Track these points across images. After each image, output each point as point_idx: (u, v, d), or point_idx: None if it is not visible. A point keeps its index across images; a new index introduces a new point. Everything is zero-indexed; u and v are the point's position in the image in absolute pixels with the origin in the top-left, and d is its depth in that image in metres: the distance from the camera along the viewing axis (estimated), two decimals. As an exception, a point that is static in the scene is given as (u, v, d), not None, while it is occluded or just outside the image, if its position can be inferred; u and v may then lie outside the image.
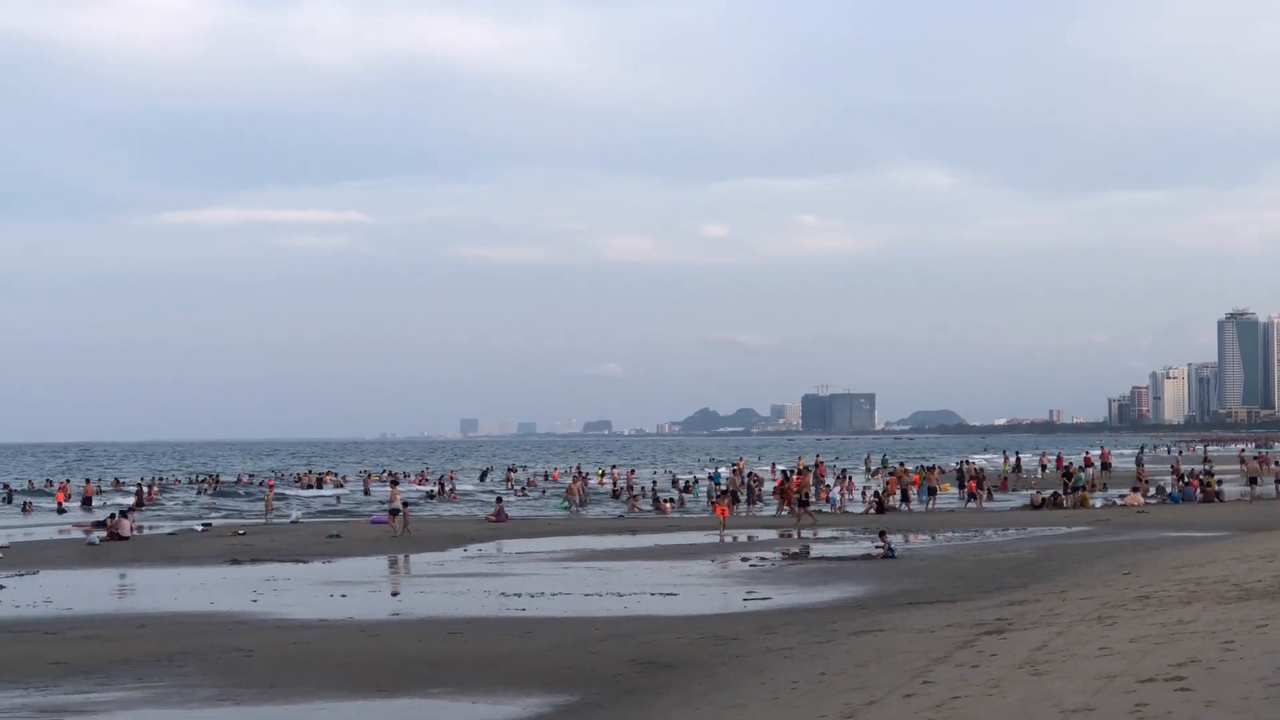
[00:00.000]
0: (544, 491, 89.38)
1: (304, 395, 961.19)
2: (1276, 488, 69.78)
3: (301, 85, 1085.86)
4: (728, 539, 46.40)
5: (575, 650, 22.18)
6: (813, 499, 65.43)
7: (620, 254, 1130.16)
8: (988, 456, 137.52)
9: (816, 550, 41.64)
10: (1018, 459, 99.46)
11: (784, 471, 73.91)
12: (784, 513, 58.33)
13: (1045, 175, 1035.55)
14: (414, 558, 42.23)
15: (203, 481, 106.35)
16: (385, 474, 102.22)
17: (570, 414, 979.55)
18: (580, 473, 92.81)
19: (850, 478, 78.03)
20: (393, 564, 41.34)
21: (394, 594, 33.50)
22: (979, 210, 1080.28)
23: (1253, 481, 65.15)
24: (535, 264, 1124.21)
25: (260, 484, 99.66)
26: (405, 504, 53.60)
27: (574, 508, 69.77)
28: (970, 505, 65.46)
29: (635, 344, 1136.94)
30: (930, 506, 63.84)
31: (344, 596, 31.81)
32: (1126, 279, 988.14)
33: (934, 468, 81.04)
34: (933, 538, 45.92)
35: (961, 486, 70.74)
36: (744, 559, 39.10)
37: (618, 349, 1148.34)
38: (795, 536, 48.25)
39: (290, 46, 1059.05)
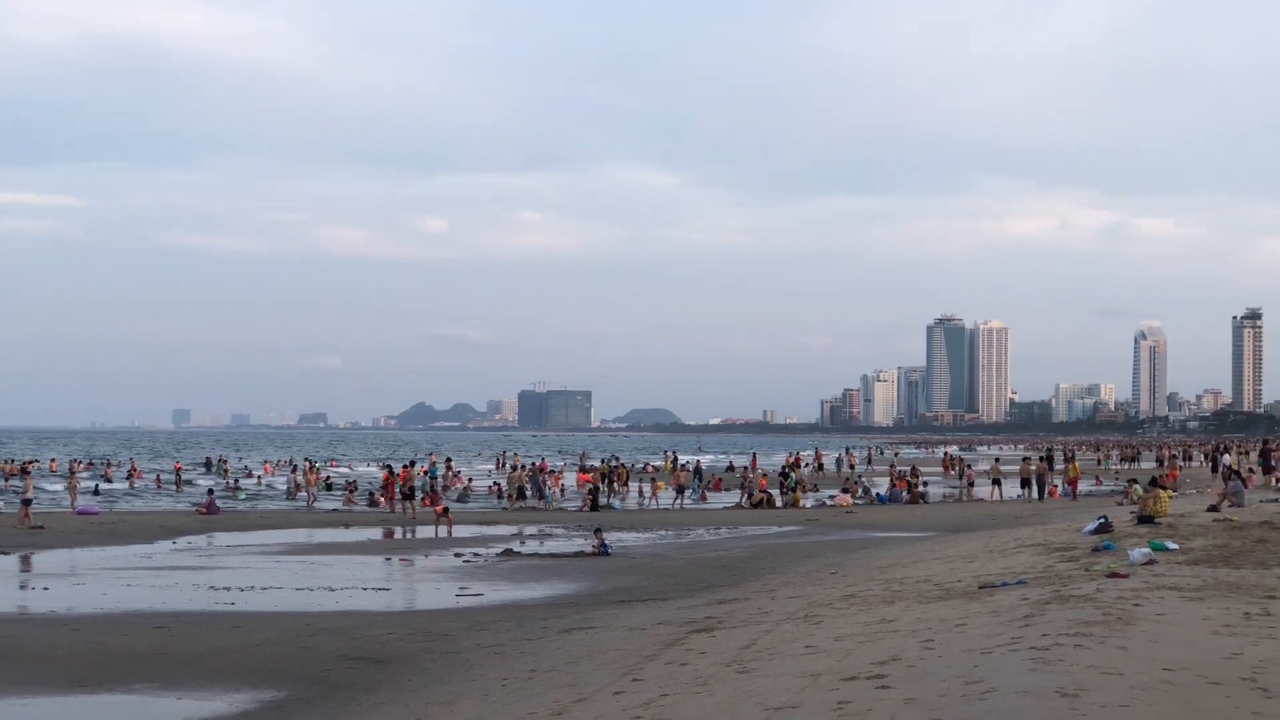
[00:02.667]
0: (260, 482, 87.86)
1: (8, 382, 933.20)
2: (967, 490, 71.89)
3: (14, 64, 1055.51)
4: (443, 534, 46.22)
5: (285, 645, 21.88)
6: (529, 494, 65.72)
7: (339, 246, 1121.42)
8: (699, 457, 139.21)
9: (530, 547, 41.65)
10: (675, 457, 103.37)
11: (388, 465, 73.44)
12: (399, 508, 58.03)
13: (763, 178, 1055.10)
14: (121, 550, 41.19)
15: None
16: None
17: (285, 406, 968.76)
18: (313, 466, 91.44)
19: (563, 474, 78.35)
20: (99, 557, 40.25)
21: (98, 588, 32.64)
22: (697, 211, 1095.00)
23: (1025, 485, 66.55)
24: (252, 254, 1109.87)
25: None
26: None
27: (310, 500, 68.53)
28: (687, 504, 66.09)
29: (353, 336, 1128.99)
30: (646, 504, 64.46)
31: (46, 589, 30.90)
32: (840, 282, 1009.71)
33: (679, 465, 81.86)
34: (647, 535, 46.28)
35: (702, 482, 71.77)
36: (458, 554, 38.98)
37: (335, 341, 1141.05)
38: (407, 535, 48.05)
39: (4, 24, 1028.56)
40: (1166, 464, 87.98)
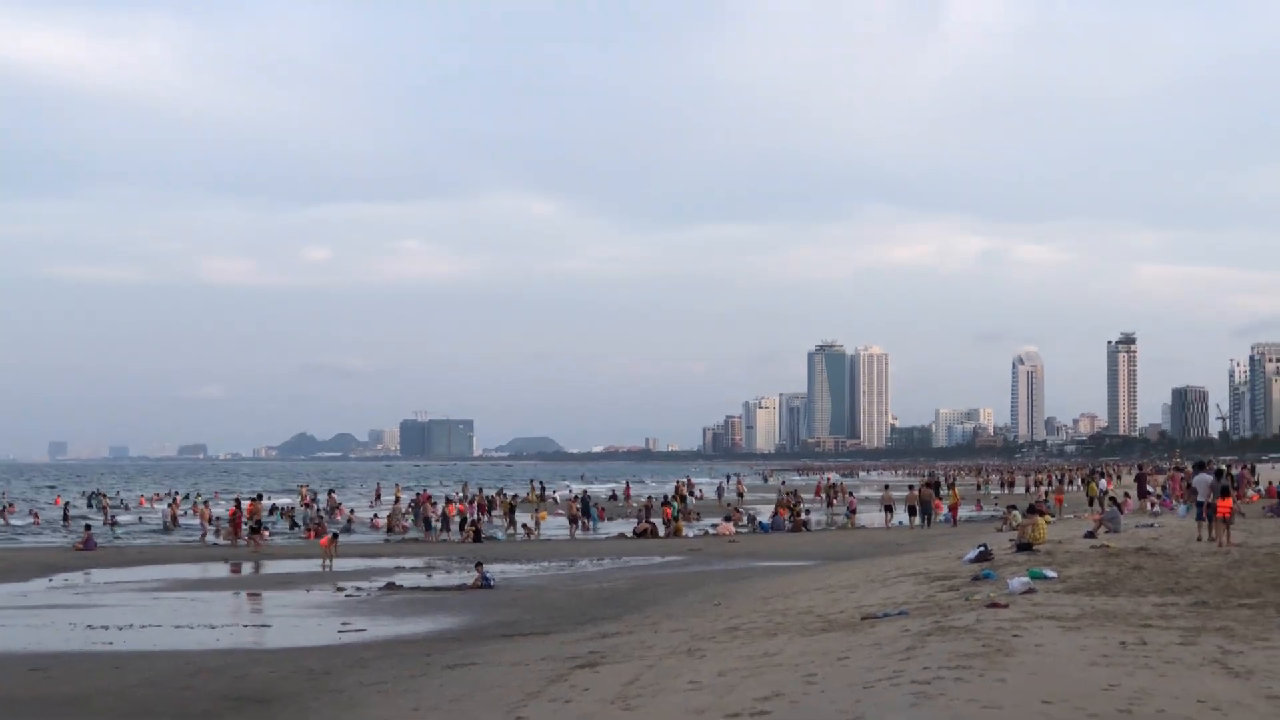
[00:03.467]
0: (140, 518, 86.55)
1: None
2: (850, 517, 72.33)
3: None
4: (327, 568, 45.87)
5: (165, 686, 21.57)
6: (415, 525, 65.39)
7: (220, 275, 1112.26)
8: (583, 485, 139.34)
9: (412, 580, 41.42)
10: (542, 487, 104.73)
11: (236, 499, 73.02)
12: (240, 543, 57.96)
13: (644, 205, 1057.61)
14: (-6, 588, 40.50)
15: None
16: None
17: (165, 437, 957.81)
18: (205, 502, 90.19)
19: (451, 505, 77.97)
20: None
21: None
22: (579, 240, 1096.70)
23: (912, 512, 66.79)
24: (131, 284, 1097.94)
25: None
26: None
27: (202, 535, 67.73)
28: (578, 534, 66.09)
29: (234, 366, 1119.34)
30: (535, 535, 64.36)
31: (-83, 631, 30.31)
32: (722, 310, 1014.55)
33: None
34: (529, 567, 46.19)
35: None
36: (340, 588, 38.70)
37: (216, 371, 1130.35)
38: (258, 569, 47.62)
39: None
40: (1040, 491, 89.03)
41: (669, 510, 66.72)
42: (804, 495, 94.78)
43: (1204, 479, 36.53)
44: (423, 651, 24.68)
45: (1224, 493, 34.88)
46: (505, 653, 23.51)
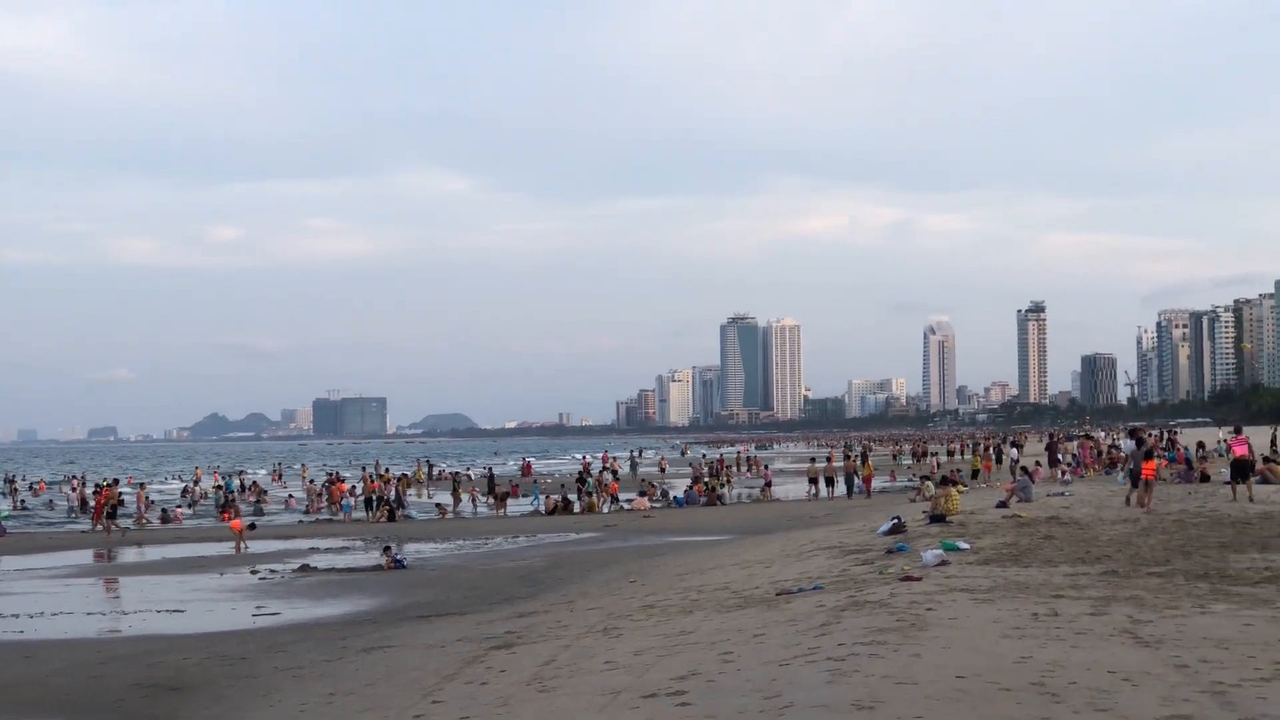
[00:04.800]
0: (50, 502, 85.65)
1: None
2: (764, 490, 72.64)
3: None
4: (241, 551, 45.57)
5: (77, 675, 21.37)
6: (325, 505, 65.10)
7: (127, 256, 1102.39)
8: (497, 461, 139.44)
9: (326, 561, 41.22)
10: (429, 465, 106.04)
11: (96, 484, 72.54)
12: (97, 528, 56.75)
13: (555, 180, 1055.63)
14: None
15: None
16: None
17: (74, 420, 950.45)
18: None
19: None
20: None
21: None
22: (490, 215, 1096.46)
23: (830, 483, 67.17)
24: (38, 266, 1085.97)
25: None
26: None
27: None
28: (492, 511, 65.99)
29: (143, 348, 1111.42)
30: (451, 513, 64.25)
31: None
32: (634, 284, 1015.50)
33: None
34: (444, 545, 46.09)
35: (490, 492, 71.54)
36: (253, 571, 38.42)
37: (125, 353, 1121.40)
38: (108, 557, 46.84)
39: None
40: (953, 461, 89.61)
41: (615, 485, 67.24)
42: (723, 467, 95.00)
43: (1130, 445, 37.76)
44: (338, 635, 24.56)
45: (1148, 456, 36.41)
46: (421, 635, 23.45)
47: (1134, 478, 37.13)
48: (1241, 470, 38.51)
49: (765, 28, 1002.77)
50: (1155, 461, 37.33)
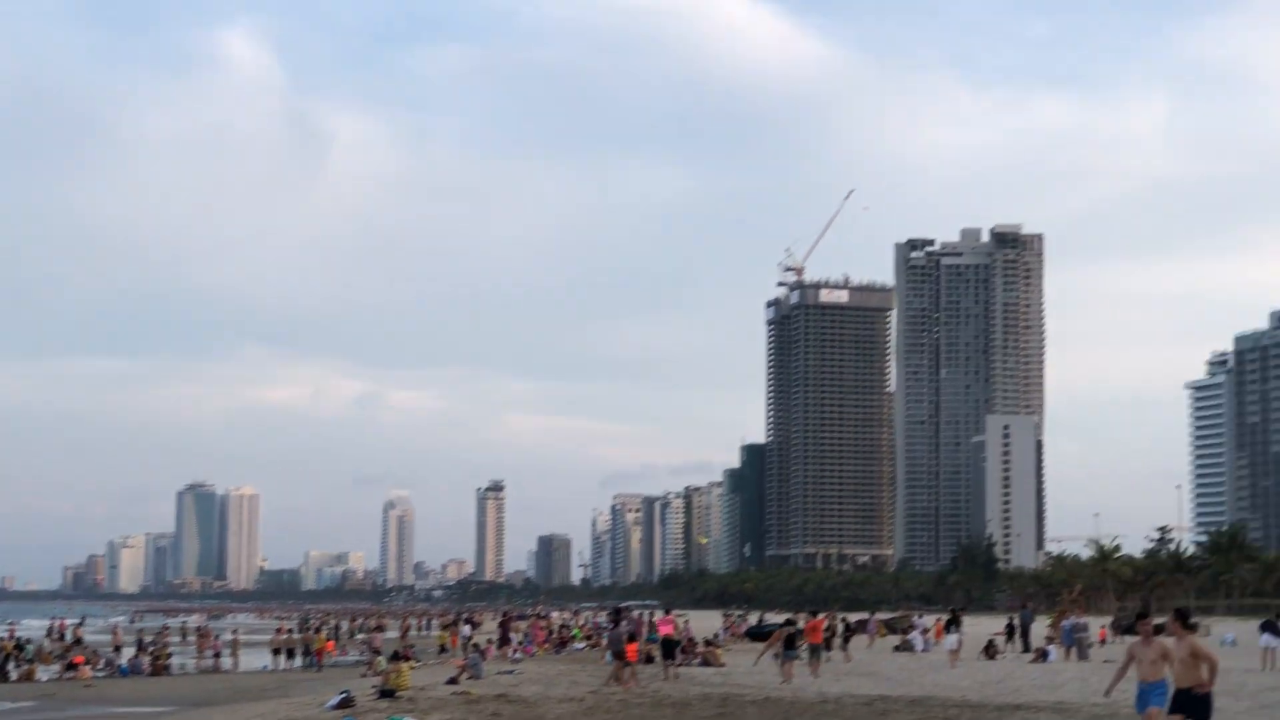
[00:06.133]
0: None
1: None
2: (214, 660, 71.39)
3: None
4: None
5: None
6: None
7: None
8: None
9: None
10: None
11: None
12: None
13: (17, 334, 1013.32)
14: None
15: None
16: None
17: None
18: None
19: None
20: None
21: None
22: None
23: (290, 654, 66.77)
24: None
25: None
26: None
27: None
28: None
29: None
30: None
31: None
32: (88, 446, 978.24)
33: None
34: None
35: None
36: None
37: None
38: None
39: None
40: (419, 632, 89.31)
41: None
42: (168, 637, 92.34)
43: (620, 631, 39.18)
44: None
45: (630, 638, 38.13)
46: None
47: (618, 656, 38.27)
48: (668, 649, 41.22)
49: (246, 196, 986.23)
50: (637, 644, 39.05)
